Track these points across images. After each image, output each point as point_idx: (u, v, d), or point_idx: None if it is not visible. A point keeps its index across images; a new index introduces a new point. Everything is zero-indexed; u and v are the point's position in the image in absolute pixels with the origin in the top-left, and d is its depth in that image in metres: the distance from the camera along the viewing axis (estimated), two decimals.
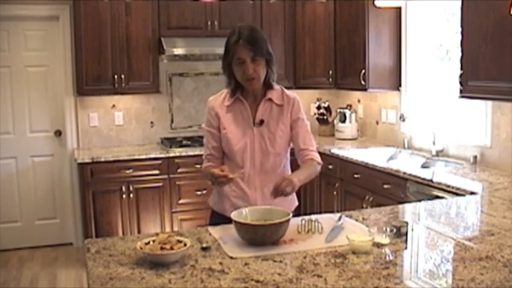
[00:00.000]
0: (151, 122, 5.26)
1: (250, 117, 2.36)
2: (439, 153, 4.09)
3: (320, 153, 4.72)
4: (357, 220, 2.25)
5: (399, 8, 4.61)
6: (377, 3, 4.45)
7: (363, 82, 4.63)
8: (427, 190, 3.31)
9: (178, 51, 4.74)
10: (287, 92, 2.43)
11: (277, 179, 2.21)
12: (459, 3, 3.36)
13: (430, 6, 4.36)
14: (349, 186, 4.29)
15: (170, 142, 4.92)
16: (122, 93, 4.88)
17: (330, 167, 4.52)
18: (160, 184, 4.68)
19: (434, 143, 4.11)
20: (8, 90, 4.93)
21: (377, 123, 5.09)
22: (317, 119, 5.52)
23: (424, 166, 4.01)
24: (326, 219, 2.20)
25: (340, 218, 2.21)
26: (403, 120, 4.52)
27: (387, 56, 4.66)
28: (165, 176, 4.68)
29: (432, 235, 2.13)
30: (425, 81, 4.49)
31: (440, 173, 3.53)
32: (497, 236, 2.04)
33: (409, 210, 2.57)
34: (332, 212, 3.71)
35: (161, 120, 5.28)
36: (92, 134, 5.08)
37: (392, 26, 4.64)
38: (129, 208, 4.61)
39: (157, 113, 5.26)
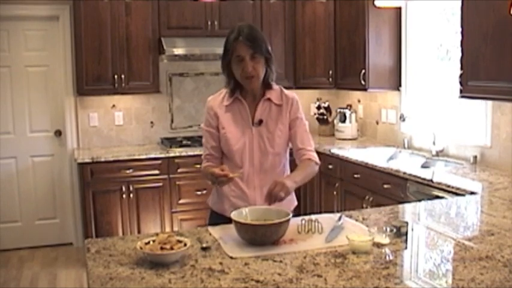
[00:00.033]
0: (151, 122, 5.26)
1: (249, 117, 2.36)
2: (439, 153, 4.09)
3: (320, 153, 4.75)
4: (357, 220, 2.25)
5: (399, 8, 4.61)
6: (377, 3, 4.45)
7: (363, 82, 4.63)
8: (427, 190, 3.31)
9: (178, 51, 4.75)
10: (286, 91, 2.43)
11: (277, 178, 2.21)
12: (459, 3, 3.36)
13: (430, 6, 4.36)
14: (349, 186, 4.29)
15: (170, 142, 4.92)
16: (122, 93, 4.89)
17: (330, 167, 4.52)
18: (160, 184, 4.68)
19: (434, 143, 4.11)
20: (8, 90, 4.93)
21: (377, 123, 5.09)
22: (317, 119, 5.52)
23: (424, 166, 4.01)
24: (326, 219, 2.20)
25: (340, 218, 2.21)
26: (403, 120, 4.52)
27: (387, 56, 4.66)
28: (165, 176, 4.68)
29: (432, 235, 2.13)
30: (425, 81, 4.49)
31: (440, 173, 3.53)
32: (497, 236, 2.04)
33: (409, 210, 2.57)
34: (332, 212, 3.71)
35: (161, 120, 5.28)
36: (92, 134, 5.08)
37: (392, 26, 4.64)
38: (129, 208, 4.61)
39: (157, 113, 5.26)
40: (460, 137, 3.98)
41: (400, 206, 2.67)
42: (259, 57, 2.26)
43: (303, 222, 2.11)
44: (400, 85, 4.69)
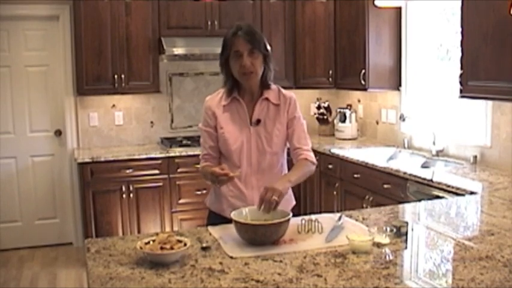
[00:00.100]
0: (151, 122, 5.26)
1: (247, 117, 2.36)
2: (439, 153, 4.09)
3: (320, 153, 4.76)
4: (357, 220, 2.25)
5: (399, 8, 4.61)
6: (377, 3, 4.45)
7: (363, 82, 4.63)
8: (427, 190, 3.31)
9: (178, 51, 4.75)
10: (284, 91, 2.43)
11: (274, 178, 2.21)
12: (459, 3, 3.36)
13: (430, 6, 4.36)
14: (349, 186, 4.29)
15: (170, 142, 4.92)
16: (122, 93, 4.89)
17: (330, 166, 4.52)
18: (160, 184, 4.68)
19: (434, 143, 4.11)
20: (8, 90, 4.93)
21: (377, 123, 5.09)
22: (317, 118, 5.52)
23: (424, 166, 4.01)
24: (326, 219, 2.20)
25: (340, 218, 2.21)
26: (403, 120, 4.52)
27: (387, 56, 4.66)
28: (165, 176, 4.68)
29: (432, 235, 2.13)
30: (425, 81, 4.49)
31: (440, 173, 3.52)
32: (497, 235, 2.04)
33: (409, 210, 2.57)
34: (332, 211, 3.70)
35: (161, 120, 5.28)
36: (92, 134, 5.08)
37: (392, 26, 4.64)
38: (129, 208, 4.61)
39: (157, 112, 5.26)
40: (460, 137, 3.98)
41: (400, 206, 2.67)
42: (257, 53, 2.27)
43: (303, 222, 2.11)
44: (400, 85, 4.69)
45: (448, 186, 3.13)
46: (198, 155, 2.49)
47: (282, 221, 1.92)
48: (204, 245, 1.92)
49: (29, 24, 4.92)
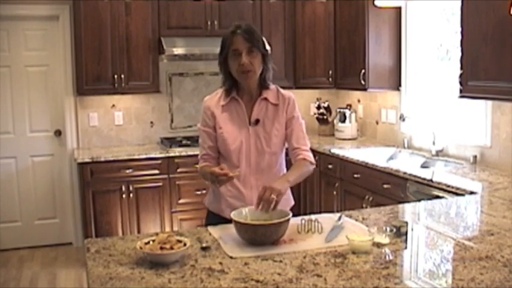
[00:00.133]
0: (151, 122, 5.26)
1: (246, 117, 2.36)
2: (439, 153, 4.09)
3: (320, 153, 4.76)
4: (356, 220, 2.25)
5: (399, 8, 4.61)
6: (377, 3, 4.45)
7: (362, 82, 4.63)
8: (427, 190, 3.31)
9: (178, 51, 4.75)
10: (282, 91, 2.43)
11: (273, 178, 2.21)
12: (459, 3, 3.36)
13: (430, 6, 4.36)
14: (349, 186, 4.29)
15: (170, 142, 4.92)
16: (122, 93, 4.89)
17: (330, 166, 4.52)
18: (160, 184, 4.68)
19: (434, 143, 4.11)
20: (8, 90, 4.93)
21: (377, 123, 5.09)
22: (317, 118, 5.52)
23: (424, 166, 4.01)
24: (326, 219, 2.19)
25: (340, 218, 2.21)
26: (403, 120, 4.52)
27: (387, 56, 4.66)
28: (165, 176, 4.68)
29: (432, 235, 2.13)
30: (425, 81, 4.49)
31: (440, 173, 3.53)
32: (497, 235, 2.04)
33: (409, 210, 2.57)
34: (332, 211, 3.70)
35: (161, 120, 5.28)
36: (91, 134, 5.08)
37: (392, 26, 4.64)
38: (129, 208, 4.61)
39: (157, 112, 5.26)
40: (460, 137, 3.98)
41: (400, 205, 2.67)
42: (256, 52, 2.27)
43: (303, 222, 2.11)
44: (400, 85, 4.69)
45: (448, 186, 3.13)
46: (197, 155, 2.49)
47: (281, 221, 1.92)
48: (204, 245, 1.92)
49: (29, 24, 4.92)
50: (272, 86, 2.40)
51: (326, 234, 2.02)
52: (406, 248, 1.93)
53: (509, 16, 2.88)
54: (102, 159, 4.54)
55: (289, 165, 2.42)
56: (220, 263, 1.76)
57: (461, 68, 3.33)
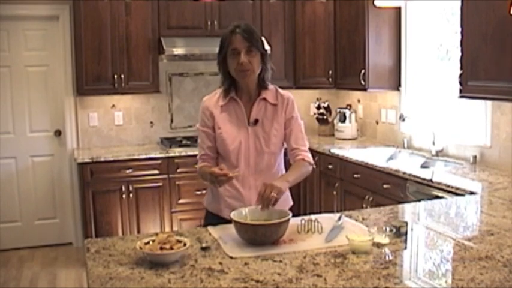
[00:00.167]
0: (151, 122, 5.26)
1: (245, 117, 2.36)
2: (439, 153, 4.09)
3: (320, 153, 4.76)
4: (356, 220, 2.25)
5: (399, 8, 4.61)
6: (377, 3, 4.45)
7: (362, 82, 4.63)
8: (426, 190, 3.31)
9: (178, 51, 4.75)
10: (281, 91, 2.43)
11: (272, 178, 2.21)
12: (459, 3, 3.36)
13: (430, 6, 4.36)
14: (348, 186, 4.29)
15: (170, 142, 4.92)
16: (122, 93, 4.89)
17: (330, 166, 4.52)
18: (160, 184, 4.68)
19: (434, 143, 4.11)
20: (8, 90, 4.93)
21: (377, 123, 5.09)
22: (317, 118, 5.52)
23: (423, 166, 4.01)
24: (326, 219, 2.19)
25: (339, 218, 2.21)
26: (403, 120, 4.52)
27: (387, 56, 4.66)
28: (165, 176, 4.68)
29: (432, 235, 2.13)
30: (425, 81, 4.49)
31: (440, 173, 3.53)
32: (497, 236, 2.04)
33: (409, 210, 2.57)
34: (332, 211, 3.71)
35: (161, 120, 5.28)
36: (91, 134, 5.08)
37: (392, 26, 4.64)
38: (129, 208, 4.61)
39: (157, 112, 5.26)
40: (459, 137, 3.98)
41: (400, 206, 2.67)
42: (255, 51, 2.27)
43: (303, 222, 2.11)
44: (400, 85, 4.69)
45: (448, 186, 3.13)
46: (197, 155, 2.48)
47: (281, 221, 1.92)
48: (204, 245, 1.92)
49: (29, 24, 4.92)
50: (271, 86, 2.40)
51: (326, 234, 2.02)
52: (406, 248, 1.93)
53: (509, 16, 2.88)
54: (102, 159, 4.54)
55: (287, 165, 2.42)
56: (220, 263, 1.76)
57: (461, 68, 3.34)
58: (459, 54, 3.36)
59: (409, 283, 1.62)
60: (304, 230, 2.08)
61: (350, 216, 2.30)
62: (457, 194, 3.00)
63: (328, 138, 5.29)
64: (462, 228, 2.26)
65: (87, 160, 4.50)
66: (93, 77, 4.71)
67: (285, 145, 2.43)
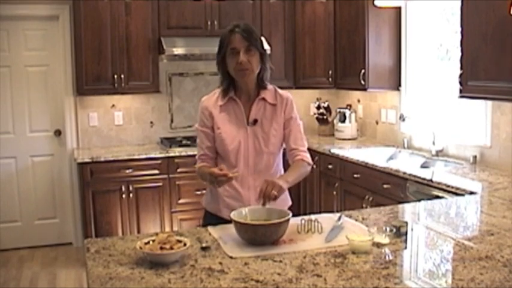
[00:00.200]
0: (151, 122, 5.26)
1: (244, 117, 2.36)
2: (439, 153, 4.09)
3: (320, 153, 4.76)
4: (356, 220, 2.25)
5: (399, 8, 4.61)
6: (377, 3, 4.45)
7: (362, 82, 4.63)
8: (426, 190, 3.31)
9: (178, 51, 4.75)
10: (280, 91, 2.43)
11: (271, 179, 2.21)
12: (459, 3, 3.36)
13: (430, 6, 4.36)
14: (348, 186, 4.29)
15: (170, 142, 4.92)
16: (122, 93, 4.89)
17: (330, 166, 4.52)
18: (160, 184, 4.68)
19: (434, 143, 4.11)
20: (8, 90, 4.93)
21: (377, 123, 5.09)
22: (317, 118, 5.52)
23: (423, 166, 4.01)
24: (326, 219, 2.19)
25: (339, 218, 2.21)
26: (403, 120, 4.52)
27: (387, 56, 4.66)
28: (165, 176, 4.68)
29: (432, 235, 2.13)
30: (425, 81, 4.49)
31: (440, 173, 3.53)
32: (497, 236, 2.04)
33: (409, 210, 2.57)
34: (332, 211, 3.70)
35: (161, 120, 5.28)
36: (91, 134, 5.08)
37: (392, 26, 4.64)
38: (129, 208, 4.61)
39: (157, 112, 5.26)
40: (459, 137, 3.98)
41: (400, 206, 2.67)
42: (254, 51, 2.27)
43: (303, 222, 2.11)
44: (400, 85, 4.69)
45: (448, 186, 3.13)
46: (196, 155, 2.48)
47: (281, 221, 1.92)
48: (204, 245, 1.92)
49: (29, 24, 4.92)
50: (270, 86, 2.40)
51: (326, 234, 2.02)
52: (406, 248, 1.93)
53: (509, 16, 2.88)
54: (102, 159, 4.54)
55: (286, 166, 2.42)
56: (220, 263, 1.76)
57: (461, 68, 3.33)
58: (459, 54, 3.36)
59: (409, 283, 1.62)
60: (304, 230, 2.08)
61: (350, 216, 2.29)
62: (457, 194, 3.00)
63: (328, 138, 5.29)
64: (462, 228, 2.26)
65: (87, 160, 4.50)
66: (93, 77, 4.71)
67: (284, 145, 2.43)
